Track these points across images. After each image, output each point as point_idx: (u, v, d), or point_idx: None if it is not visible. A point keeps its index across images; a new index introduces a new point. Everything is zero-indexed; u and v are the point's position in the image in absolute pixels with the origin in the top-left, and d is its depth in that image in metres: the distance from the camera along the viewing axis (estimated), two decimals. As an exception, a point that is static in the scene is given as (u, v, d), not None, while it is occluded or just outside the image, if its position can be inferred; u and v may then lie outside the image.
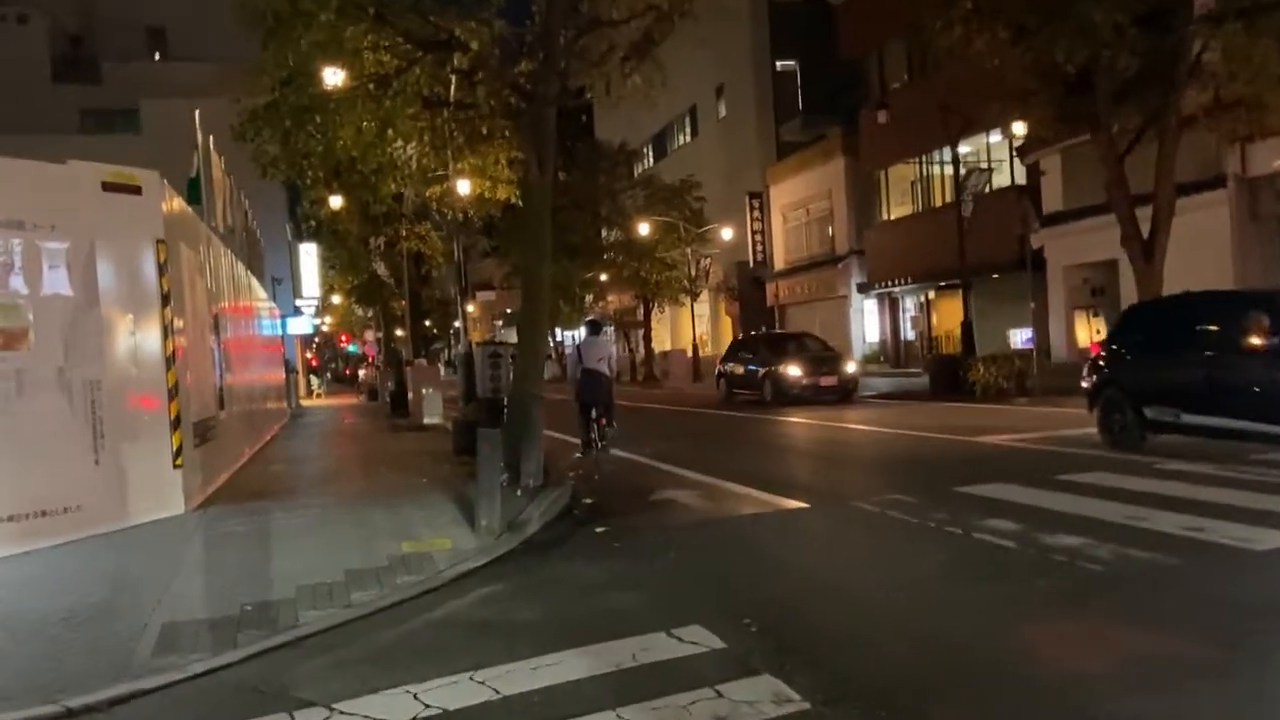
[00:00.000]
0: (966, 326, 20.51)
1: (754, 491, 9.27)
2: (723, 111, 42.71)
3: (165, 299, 8.85)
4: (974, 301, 28.13)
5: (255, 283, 20.81)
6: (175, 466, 8.89)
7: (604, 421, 12.41)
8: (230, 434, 12.99)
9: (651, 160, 48.39)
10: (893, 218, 29.10)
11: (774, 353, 22.04)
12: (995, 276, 24.49)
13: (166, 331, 8.84)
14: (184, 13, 50.17)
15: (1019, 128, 20.21)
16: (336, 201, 23.87)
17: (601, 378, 12.41)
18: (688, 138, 47.52)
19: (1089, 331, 17.11)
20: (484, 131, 13.16)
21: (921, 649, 4.46)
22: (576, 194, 45.86)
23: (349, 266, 28.02)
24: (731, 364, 23.93)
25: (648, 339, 40.56)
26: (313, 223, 14.11)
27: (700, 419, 19.45)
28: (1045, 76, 14.80)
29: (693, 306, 36.58)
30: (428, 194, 25.45)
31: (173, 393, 8.86)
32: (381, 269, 24.74)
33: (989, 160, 25.38)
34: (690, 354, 35.45)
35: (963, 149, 26.49)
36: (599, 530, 7.99)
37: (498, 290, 67.08)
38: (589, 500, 9.46)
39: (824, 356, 21.80)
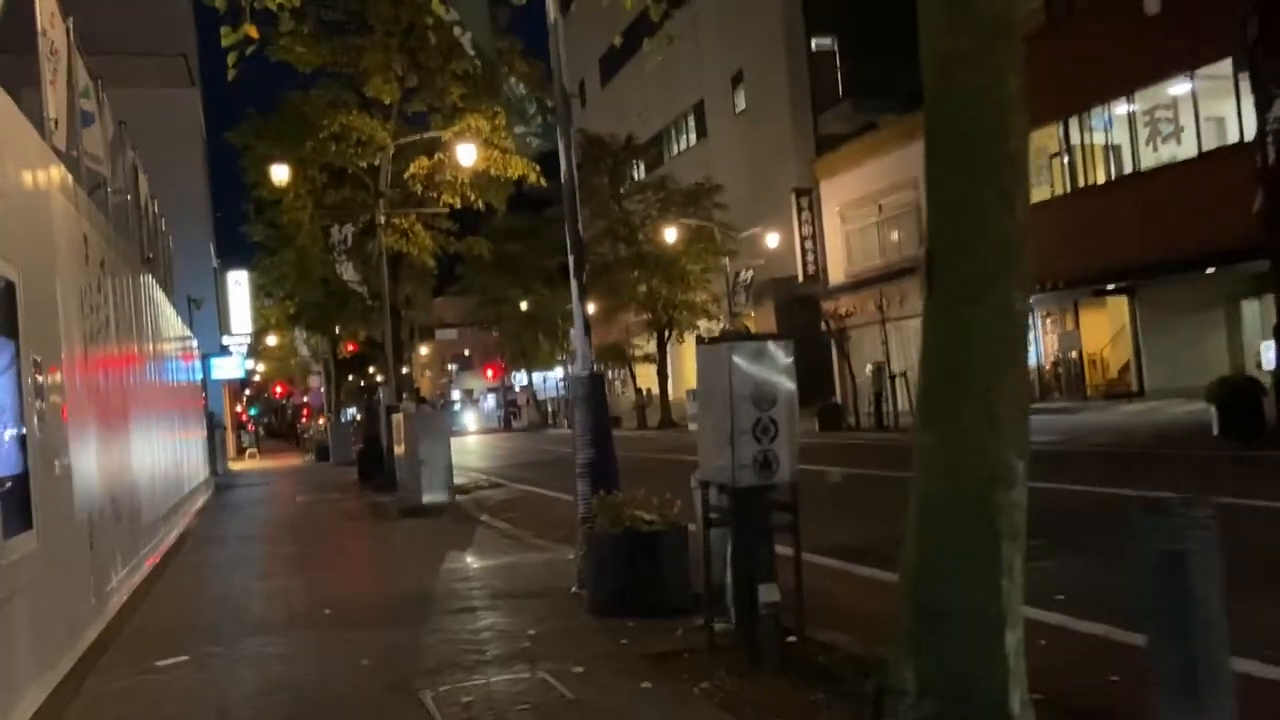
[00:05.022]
0: (1283, 331, 13.57)
1: None
2: (741, 104, 35.96)
3: None
4: (1138, 311, 21.44)
5: (156, 291, 13.01)
6: None
7: None
8: (37, 590, 5.25)
9: (643, 171, 41.21)
10: (1020, 205, 22.26)
11: None
12: (1209, 271, 17.80)
13: None
14: (86, 4, 42.21)
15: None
16: (282, 173, 16.15)
17: None
18: (692, 139, 40.62)
19: None
20: None
21: None
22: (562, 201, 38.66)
23: (298, 277, 20.24)
24: None
25: (663, 375, 33.15)
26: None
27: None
28: None
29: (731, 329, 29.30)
30: (411, 170, 17.98)
31: None
32: (349, 272, 17.09)
33: (1176, 118, 18.74)
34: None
35: (1130, 107, 19.90)
36: None
37: (460, 329, 59.19)
38: None
39: None
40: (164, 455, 12.11)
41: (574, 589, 6.48)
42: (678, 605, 5.57)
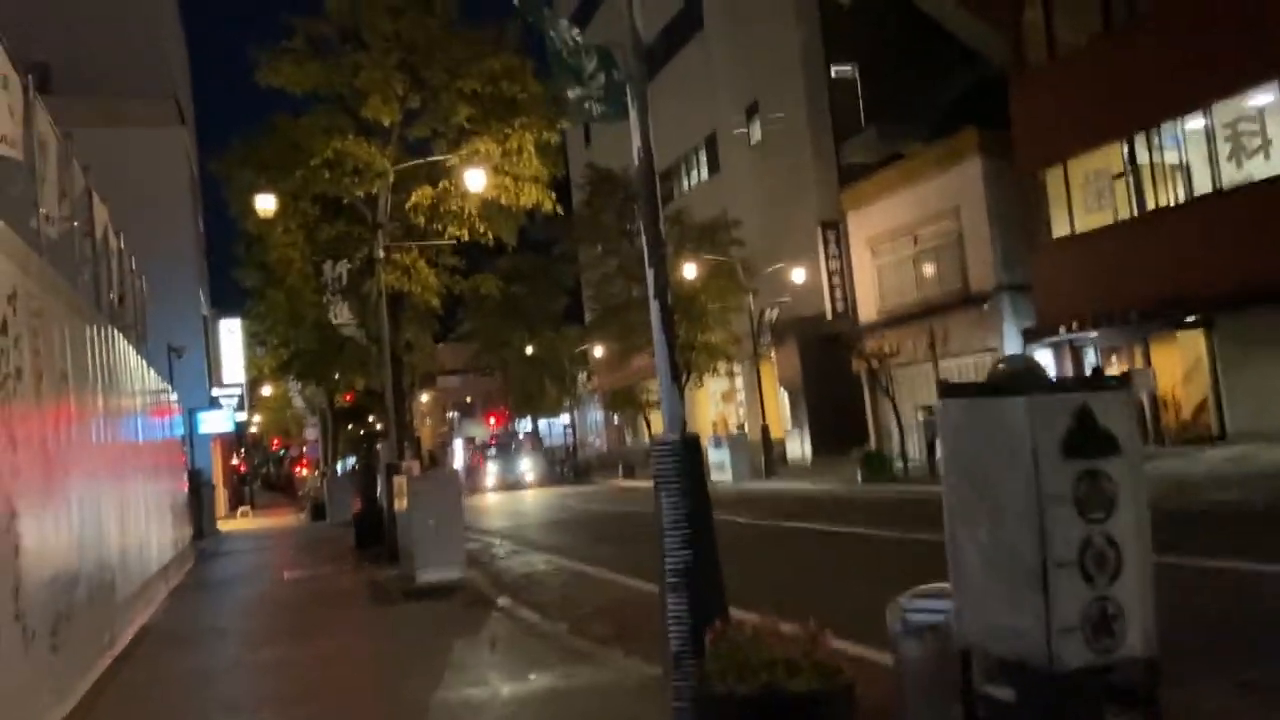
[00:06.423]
0: None
1: None
2: (757, 135, 34.30)
3: None
4: (1217, 346, 19.46)
5: (117, 339, 11.04)
6: None
7: None
8: None
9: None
10: (1078, 231, 20.40)
11: None
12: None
13: None
14: (73, 50, 40.76)
15: None
16: (267, 202, 14.27)
17: None
18: (703, 175, 38.95)
19: None
20: None
21: None
22: (570, 239, 36.59)
23: (289, 321, 18.32)
24: None
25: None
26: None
27: None
28: None
29: (758, 371, 27.36)
30: (413, 200, 16.16)
31: None
32: (344, 314, 15.14)
33: (1263, 130, 16.93)
34: (760, 436, 26.08)
35: (1207, 121, 18.10)
36: None
37: (463, 375, 57.21)
38: None
39: None
40: (120, 531, 10.04)
41: (666, 758, 4.42)
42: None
